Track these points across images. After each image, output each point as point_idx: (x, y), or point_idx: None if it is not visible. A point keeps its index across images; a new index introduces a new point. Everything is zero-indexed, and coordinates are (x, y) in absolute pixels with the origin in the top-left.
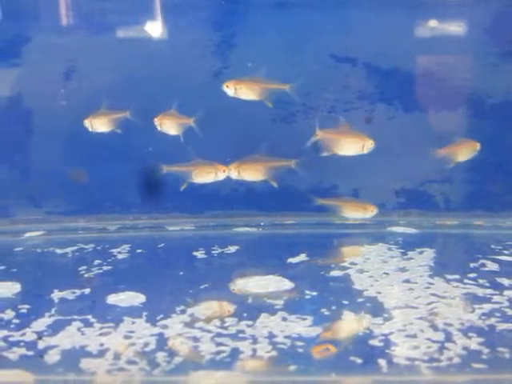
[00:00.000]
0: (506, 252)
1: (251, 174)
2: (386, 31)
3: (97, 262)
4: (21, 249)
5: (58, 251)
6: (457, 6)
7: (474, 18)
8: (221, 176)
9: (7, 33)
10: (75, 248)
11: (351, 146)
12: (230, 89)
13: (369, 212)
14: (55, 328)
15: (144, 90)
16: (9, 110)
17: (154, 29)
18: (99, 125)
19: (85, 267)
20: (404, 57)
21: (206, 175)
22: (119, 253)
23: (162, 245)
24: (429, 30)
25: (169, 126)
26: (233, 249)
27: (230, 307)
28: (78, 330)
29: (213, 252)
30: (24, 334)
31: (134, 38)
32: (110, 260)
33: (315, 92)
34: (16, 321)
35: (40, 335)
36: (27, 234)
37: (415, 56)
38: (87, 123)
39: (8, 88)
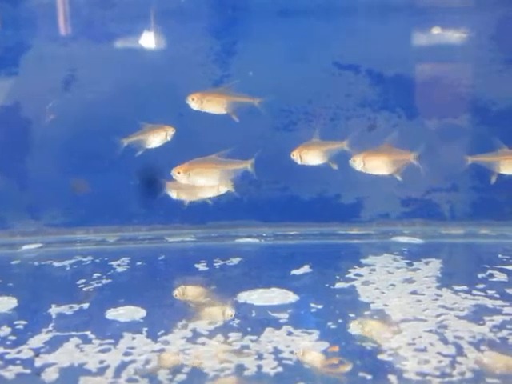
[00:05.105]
0: None
1: None
2: (389, 39)
3: (96, 275)
4: (18, 262)
5: (56, 264)
6: (461, 13)
7: (478, 25)
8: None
9: (7, 41)
10: (73, 261)
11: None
12: (195, 102)
13: None
14: (53, 345)
15: (145, 99)
16: (7, 120)
17: (155, 38)
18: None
19: (83, 281)
20: (408, 64)
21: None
22: (118, 265)
23: (163, 257)
24: (433, 37)
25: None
26: (235, 261)
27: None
28: (77, 346)
29: (215, 264)
30: (20, 351)
31: (135, 47)
32: (109, 273)
33: (318, 99)
34: (12, 337)
35: (37, 352)
36: (25, 247)
37: (419, 63)
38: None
39: (6, 97)
